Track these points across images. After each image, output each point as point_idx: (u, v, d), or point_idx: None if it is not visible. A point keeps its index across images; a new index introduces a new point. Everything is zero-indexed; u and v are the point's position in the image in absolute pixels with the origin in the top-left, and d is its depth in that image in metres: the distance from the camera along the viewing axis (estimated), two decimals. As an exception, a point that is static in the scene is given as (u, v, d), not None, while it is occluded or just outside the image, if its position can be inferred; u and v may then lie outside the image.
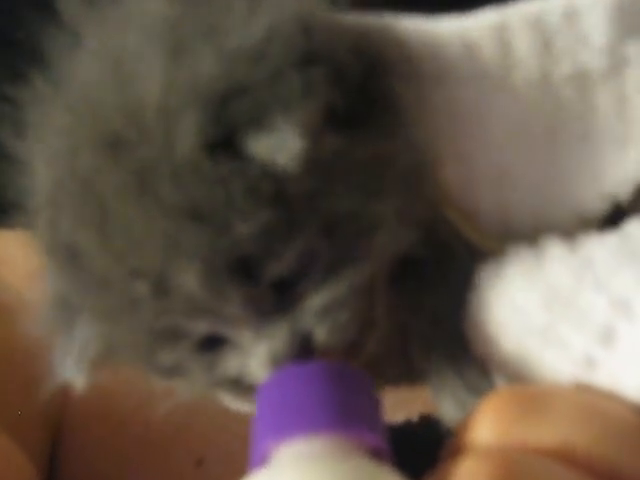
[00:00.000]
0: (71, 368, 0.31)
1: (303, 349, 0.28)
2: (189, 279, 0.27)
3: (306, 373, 0.26)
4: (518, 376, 0.28)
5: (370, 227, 0.28)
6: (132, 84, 0.28)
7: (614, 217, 0.30)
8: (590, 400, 0.26)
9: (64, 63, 0.30)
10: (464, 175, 0.30)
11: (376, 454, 0.25)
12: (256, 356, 0.28)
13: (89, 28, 0.30)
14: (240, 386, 0.29)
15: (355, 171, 0.27)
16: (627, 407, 0.26)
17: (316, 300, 0.28)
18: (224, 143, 0.27)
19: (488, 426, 0.25)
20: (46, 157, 0.30)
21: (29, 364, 0.42)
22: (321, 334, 0.28)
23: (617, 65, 0.29)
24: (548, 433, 0.25)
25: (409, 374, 0.32)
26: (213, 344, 0.29)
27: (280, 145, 0.26)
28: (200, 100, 0.26)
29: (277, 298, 0.28)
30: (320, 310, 0.28)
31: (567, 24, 0.29)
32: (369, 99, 0.28)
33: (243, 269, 0.27)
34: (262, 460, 0.25)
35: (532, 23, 0.30)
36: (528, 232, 0.30)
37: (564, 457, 0.24)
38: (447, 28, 0.29)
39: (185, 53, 0.27)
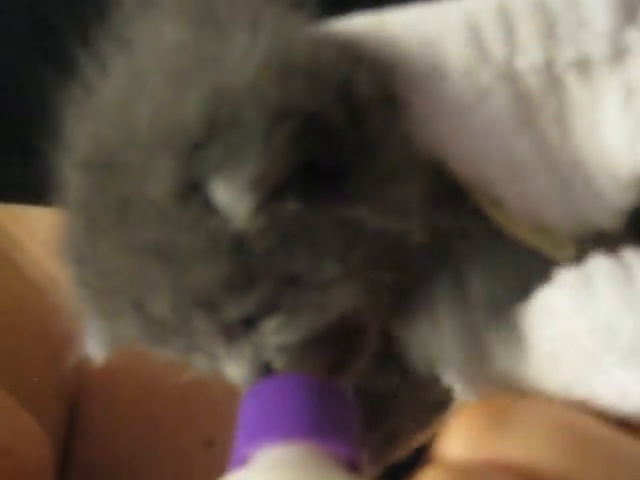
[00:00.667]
0: (92, 345, 0.32)
1: (265, 373, 0.29)
2: (160, 307, 0.28)
3: (287, 384, 0.27)
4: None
5: (329, 283, 0.28)
6: (132, 108, 0.28)
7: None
8: (561, 415, 0.26)
9: (96, 73, 0.30)
10: (481, 173, 0.30)
11: (351, 466, 0.26)
12: (229, 371, 0.30)
13: (120, 45, 0.30)
14: None
15: (317, 234, 0.27)
16: (600, 422, 0.26)
17: (274, 338, 0.29)
18: (194, 189, 0.27)
19: (457, 439, 0.25)
20: (68, 157, 0.31)
21: (52, 339, 0.43)
22: (279, 364, 0.29)
23: (619, 53, 0.29)
24: (516, 448, 0.25)
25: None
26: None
27: (234, 202, 0.26)
28: (176, 142, 0.27)
29: (243, 327, 0.29)
30: (277, 346, 0.29)
31: (569, 7, 0.29)
32: (350, 151, 0.28)
33: (207, 305, 0.28)
34: (241, 463, 0.26)
35: (535, 6, 0.29)
36: (559, 223, 0.30)
37: (532, 473, 0.24)
38: (449, 13, 0.29)
39: (179, 85, 0.27)
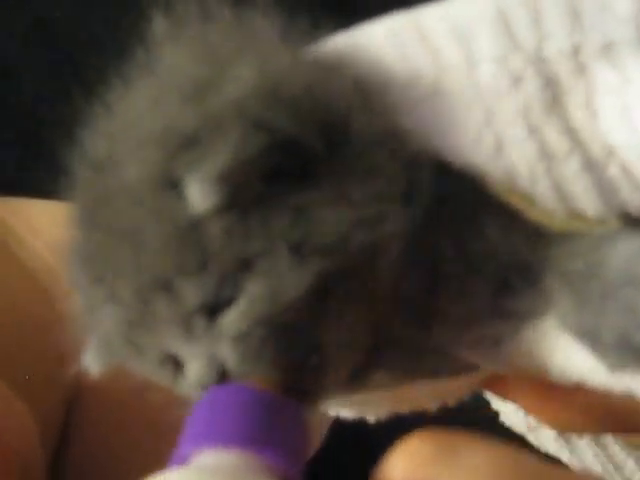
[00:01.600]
0: (89, 359, 0.33)
1: (219, 377, 0.29)
2: (125, 293, 0.30)
3: (237, 393, 0.28)
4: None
5: (284, 272, 0.29)
6: (140, 117, 0.31)
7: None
8: (507, 457, 0.25)
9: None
10: (507, 167, 0.30)
11: (286, 473, 0.27)
12: (187, 374, 0.30)
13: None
14: None
15: (274, 222, 0.29)
16: (549, 467, 0.25)
17: (232, 329, 0.29)
18: (169, 179, 0.29)
19: (400, 463, 0.25)
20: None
21: (51, 333, 0.43)
22: (234, 363, 0.29)
23: None
24: None
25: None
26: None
27: (198, 188, 0.28)
28: (166, 139, 0.29)
29: (202, 321, 0.30)
30: (234, 340, 0.29)
31: None
32: (318, 162, 0.29)
33: (166, 290, 0.29)
34: (180, 462, 0.27)
35: None
36: (593, 208, 0.30)
37: None
38: (479, 2, 0.30)
39: (183, 100, 0.30)
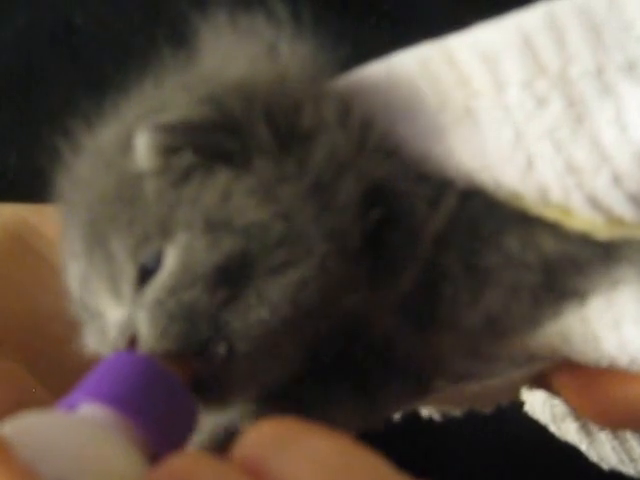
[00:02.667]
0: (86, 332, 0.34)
1: (127, 345, 0.31)
2: (77, 247, 0.32)
3: (134, 362, 0.30)
4: None
5: (197, 242, 0.31)
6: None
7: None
8: (342, 447, 0.26)
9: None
10: (539, 183, 0.31)
11: (151, 452, 0.28)
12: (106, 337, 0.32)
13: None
14: None
15: (200, 194, 0.31)
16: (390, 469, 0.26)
17: (149, 296, 0.30)
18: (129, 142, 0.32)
19: (245, 443, 0.26)
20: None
21: (56, 335, 0.44)
22: (143, 332, 0.30)
23: None
24: (284, 471, 0.25)
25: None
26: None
27: (142, 144, 0.31)
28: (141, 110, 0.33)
29: (133, 288, 0.31)
30: (147, 309, 0.30)
31: (612, 12, 0.30)
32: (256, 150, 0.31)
33: (101, 241, 0.32)
34: (69, 406, 0.29)
35: (581, 12, 0.30)
36: (626, 215, 0.31)
37: None
38: (503, 28, 0.32)
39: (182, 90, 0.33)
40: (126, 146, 0.32)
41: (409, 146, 0.32)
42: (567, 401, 0.36)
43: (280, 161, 0.31)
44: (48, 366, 0.42)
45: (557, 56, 0.31)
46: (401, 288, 0.32)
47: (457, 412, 0.40)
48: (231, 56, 0.33)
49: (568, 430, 0.41)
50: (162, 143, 0.31)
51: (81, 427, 0.27)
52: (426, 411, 0.41)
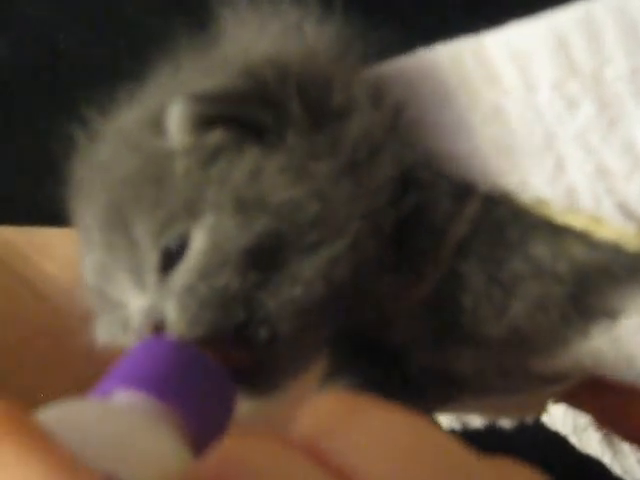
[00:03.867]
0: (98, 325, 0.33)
1: (157, 330, 0.29)
2: (95, 235, 0.31)
3: (161, 344, 0.29)
4: None
5: (227, 228, 0.29)
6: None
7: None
8: (406, 422, 0.25)
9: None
10: (569, 187, 0.31)
11: (193, 440, 0.27)
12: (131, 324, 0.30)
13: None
14: None
15: (230, 176, 0.29)
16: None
17: (178, 281, 0.29)
18: (158, 122, 0.31)
19: (304, 422, 0.25)
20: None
21: (65, 353, 0.43)
22: (172, 319, 0.29)
23: None
24: (345, 450, 0.24)
25: None
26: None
27: (172, 120, 0.30)
28: (169, 89, 0.32)
29: (157, 276, 0.30)
30: (175, 296, 0.29)
31: None
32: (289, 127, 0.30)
33: (122, 224, 0.30)
34: (102, 394, 0.28)
35: (617, 13, 0.30)
36: None
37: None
38: (537, 26, 0.31)
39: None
40: (153, 125, 0.30)
41: (435, 140, 0.32)
42: (597, 419, 0.35)
43: (313, 138, 0.30)
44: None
45: (591, 57, 0.30)
46: (420, 292, 0.31)
47: (478, 423, 0.39)
48: (256, 38, 0.32)
49: (590, 441, 0.40)
50: (197, 113, 0.29)
51: (120, 414, 0.26)
52: (446, 421, 0.40)
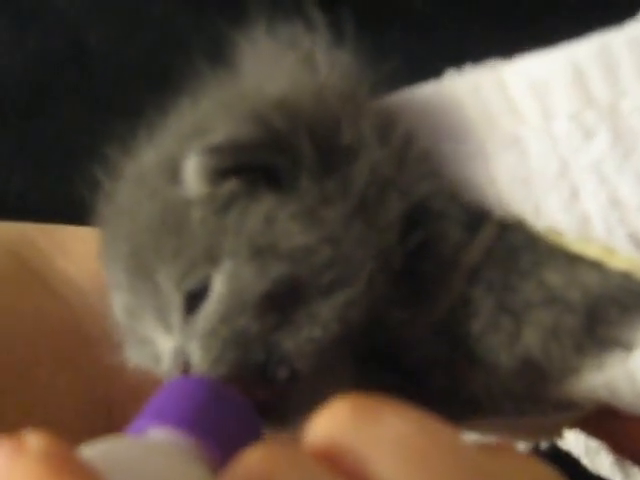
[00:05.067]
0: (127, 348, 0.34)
1: (185, 369, 0.31)
2: (121, 277, 0.32)
3: (197, 384, 0.30)
4: None
5: (244, 273, 0.30)
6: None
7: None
8: (429, 427, 0.25)
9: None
10: (582, 216, 0.31)
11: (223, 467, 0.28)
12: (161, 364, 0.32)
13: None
14: None
15: (246, 222, 0.30)
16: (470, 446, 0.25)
17: (200, 324, 0.30)
18: (174, 166, 0.32)
19: (320, 430, 0.25)
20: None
21: (83, 352, 0.43)
22: (196, 360, 0.30)
23: None
24: (364, 450, 0.24)
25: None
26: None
27: (190, 170, 0.31)
28: (182, 131, 0.33)
29: (182, 317, 0.31)
30: (198, 338, 0.30)
31: None
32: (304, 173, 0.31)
33: (146, 271, 0.31)
34: (137, 431, 0.29)
35: (634, 44, 0.30)
36: None
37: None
38: (555, 58, 0.31)
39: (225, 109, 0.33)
40: (171, 172, 0.31)
41: (449, 169, 0.32)
42: (607, 444, 0.35)
43: (323, 181, 0.31)
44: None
45: (608, 89, 0.31)
46: (432, 317, 0.32)
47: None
48: (270, 70, 0.33)
49: (602, 464, 0.40)
50: (212, 166, 0.30)
51: (156, 451, 0.27)
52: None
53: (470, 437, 0.40)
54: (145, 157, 0.33)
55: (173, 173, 0.31)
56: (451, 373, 0.32)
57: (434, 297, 0.31)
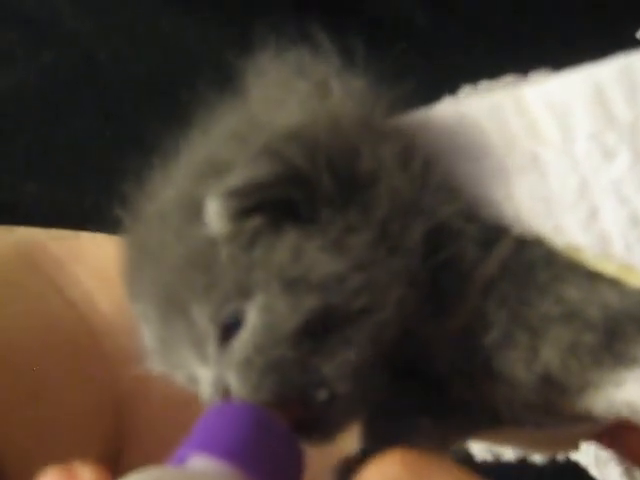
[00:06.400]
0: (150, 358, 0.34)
1: (225, 396, 0.31)
2: (152, 313, 0.32)
3: (236, 411, 0.30)
4: None
5: (277, 306, 0.30)
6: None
7: None
8: None
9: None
10: (602, 234, 0.31)
11: None
12: (200, 391, 0.32)
13: None
14: None
15: (274, 255, 0.30)
16: None
17: (236, 354, 0.31)
18: (195, 203, 0.32)
19: (372, 475, 0.26)
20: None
21: (93, 358, 0.44)
22: (235, 388, 0.30)
23: None
24: None
25: None
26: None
27: (213, 210, 0.31)
28: (199, 167, 0.32)
29: (217, 347, 0.31)
30: (235, 367, 0.30)
31: None
32: (327, 204, 0.31)
33: (180, 308, 0.32)
34: (177, 462, 0.29)
35: None
36: None
37: None
38: (576, 78, 0.32)
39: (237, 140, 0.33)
40: (192, 213, 0.31)
41: (468, 187, 0.32)
42: (631, 459, 0.35)
43: (345, 211, 0.31)
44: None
45: (629, 109, 0.31)
46: (449, 328, 0.32)
47: (510, 455, 0.40)
48: (281, 98, 0.33)
49: (610, 474, 0.41)
50: (234, 207, 0.30)
51: None
52: (479, 453, 0.41)
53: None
54: (163, 196, 0.33)
55: (195, 213, 0.31)
56: (470, 385, 0.32)
57: (452, 311, 0.32)
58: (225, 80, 0.33)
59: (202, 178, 0.31)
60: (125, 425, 0.47)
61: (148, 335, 0.33)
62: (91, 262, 0.48)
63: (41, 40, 0.58)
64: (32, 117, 0.57)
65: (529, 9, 0.57)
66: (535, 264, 0.31)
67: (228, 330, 0.31)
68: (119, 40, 0.57)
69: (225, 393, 0.31)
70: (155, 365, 0.33)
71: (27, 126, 0.57)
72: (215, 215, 0.31)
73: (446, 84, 0.35)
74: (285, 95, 0.33)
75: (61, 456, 0.39)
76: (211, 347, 0.31)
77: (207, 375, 0.31)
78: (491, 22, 0.58)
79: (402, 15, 0.58)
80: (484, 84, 0.34)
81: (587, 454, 0.41)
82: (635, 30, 0.33)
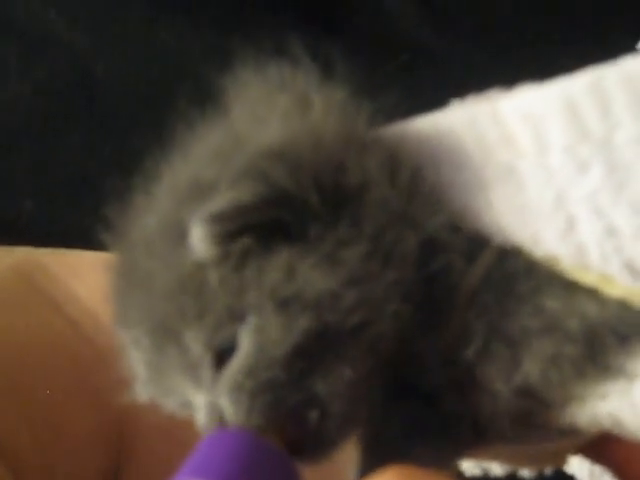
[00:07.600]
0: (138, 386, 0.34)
1: (219, 422, 0.31)
2: (143, 340, 0.32)
3: (230, 437, 0.30)
4: None
5: (270, 326, 0.30)
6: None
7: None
8: None
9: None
10: (579, 245, 0.31)
11: None
12: (196, 418, 0.32)
13: None
14: None
15: (265, 276, 0.30)
16: None
17: (228, 379, 0.30)
18: (180, 229, 0.31)
19: None
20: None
21: (91, 375, 0.44)
22: (228, 413, 0.30)
23: None
24: None
25: None
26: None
27: (198, 234, 0.30)
28: (180, 190, 0.32)
29: (211, 374, 0.31)
30: (227, 392, 0.30)
31: None
32: (314, 221, 0.31)
33: (172, 335, 0.31)
34: None
35: (626, 80, 0.30)
36: None
37: None
38: (548, 92, 0.32)
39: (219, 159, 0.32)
40: (177, 238, 0.31)
41: (450, 199, 0.32)
42: (616, 473, 0.35)
43: (335, 225, 0.30)
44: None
45: (601, 122, 0.31)
46: (439, 344, 0.32)
47: (499, 471, 0.39)
48: (263, 113, 0.32)
49: None
50: (219, 231, 0.30)
51: None
52: (468, 468, 0.41)
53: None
54: (148, 221, 0.32)
55: (180, 238, 0.31)
56: (460, 397, 0.32)
57: (442, 323, 0.32)
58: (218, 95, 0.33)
59: (186, 201, 0.31)
60: (125, 444, 0.47)
61: (138, 362, 0.32)
62: (90, 280, 0.48)
63: (35, 55, 0.58)
64: (27, 133, 0.57)
65: (531, 24, 0.57)
66: (515, 275, 0.31)
67: (223, 355, 0.30)
68: (114, 54, 0.57)
69: (221, 419, 0.30)
70: (143, 392, 0.33)
71: (22, 142, 0.57)
72: (200, 240, 0.30)
73: (449, 97, 0.34)
74: (267, 111, 0.32)
75: (64, 475, 0.39)
76: (205, 373, 0.31)
77: (201, 401, 0.31)
78: (491, 36, 0.58)
79: (402, 30, 0.58)
80: (470, 98, 0.34)
81: (581, 468, 0.41)
82: (635, 32, 0.33)
